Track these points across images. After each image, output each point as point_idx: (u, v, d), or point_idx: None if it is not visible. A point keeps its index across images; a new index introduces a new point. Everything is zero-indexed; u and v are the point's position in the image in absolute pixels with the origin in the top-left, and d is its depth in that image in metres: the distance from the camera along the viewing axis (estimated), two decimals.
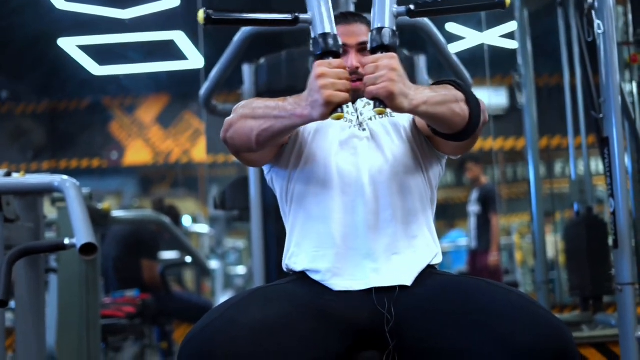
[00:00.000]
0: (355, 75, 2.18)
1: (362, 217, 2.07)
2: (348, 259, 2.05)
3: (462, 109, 1.95)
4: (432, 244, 2.16)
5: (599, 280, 4.58)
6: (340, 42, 2.02)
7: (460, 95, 1.97)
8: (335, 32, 1.97)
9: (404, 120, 2.22)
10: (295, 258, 2.14)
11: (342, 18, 2.32)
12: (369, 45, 1.95)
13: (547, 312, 1.87)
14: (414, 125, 2.22)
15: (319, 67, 1.85)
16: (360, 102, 2.27)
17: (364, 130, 2.19)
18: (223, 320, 1.84)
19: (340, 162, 2.13)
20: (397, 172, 2.13)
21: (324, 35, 1.95)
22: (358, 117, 2.23)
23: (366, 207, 2.08)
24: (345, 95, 1.84)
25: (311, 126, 2.19)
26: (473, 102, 1.97)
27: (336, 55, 1.92)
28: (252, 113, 1.99)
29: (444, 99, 1.92)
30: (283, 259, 2.20)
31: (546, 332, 1.80)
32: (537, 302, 1.92)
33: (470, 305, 1.90)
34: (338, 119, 1.88)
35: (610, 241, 3.43)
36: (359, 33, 2.27)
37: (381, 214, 2.08)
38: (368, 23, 2.32)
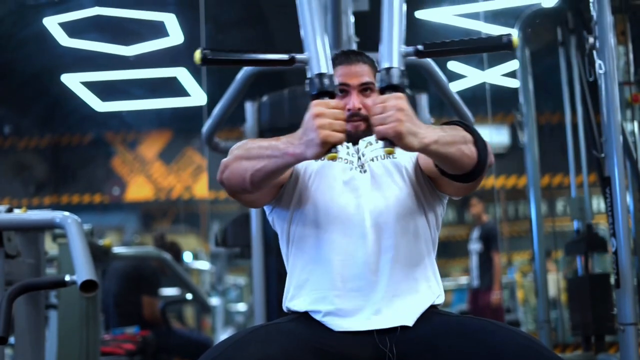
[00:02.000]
0: (357, 116, 2.24)
1: (363, 259, 2.07)
2: (349, 301, 2.04)
3: (470, 150, 1.95)
4: (435, 284, 2.15)
5: (601, 319, 4.56)
6: (337, 82, 2.10)
7: (468, 136, 1.97)
8: (332, 72, 1.97)
9: (406, 161, 2.22)
10: (295, 300, 2.13)
11: (344, 57, 2.34)
12: (377, 85, 1.94)
13: (551, 353, 1.86)
14: (417, 166, 2.23)
15: (317, 107, 1.85)
16: (362, 143, 2.28)
17: (364, 171, 2.19)
18: (222, 359, 1.83)
19: (341, 204, 2.13)
20: (398, 214, 2.12)
21: (321, 75, 1.94)
22: (360, 157, 2.23)
23: (367, 249, 2.07)
24: (341, 135, 1.84)
25: (312, 168, 2.20)
26: (481, 144, 1.97)
27: (332, 95, 1.92)
28: (247, 154, 1.99)
29: (453, 139, 1.91)
30: (283, 300, 2.19)
31: None
32: (541, 343, 1.91)
33: (474, 346, 1.89)
34: (332, 159, 1.87)
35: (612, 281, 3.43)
36: (361, 73, 2.29)
37: (382, 255, 2.07)
38: (371, 62, 2.35)
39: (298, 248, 2.17)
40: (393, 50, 1.95)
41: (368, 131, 2.29)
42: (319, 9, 2.04)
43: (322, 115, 1.83)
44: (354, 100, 2.26)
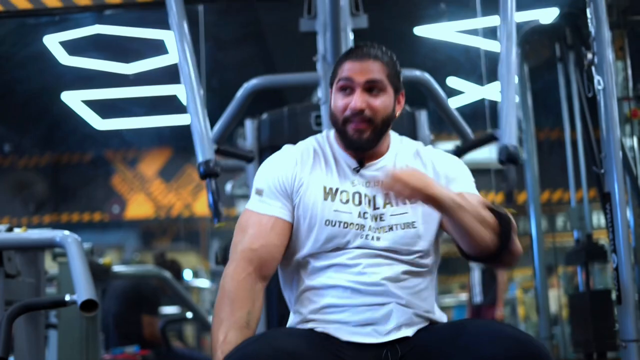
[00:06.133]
0: (358, 117, 2.10)
1: (364, 291, 2.06)
2: (351, 328, 2.05)
3: (491, 225, 1.99)
4: (435, 309, 2.17)
5: (602, 336, 4.55)
6: (343, 75, 2.12)
7: (488, 213, 2.00)
8: None
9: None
10: (304, 319, 2.13)
11: (353, 52, 2.17)
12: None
13: (518, 331, 1.90)
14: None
15: None
16: (379, 200, 2.13)
17: (378, 239, 2.09)
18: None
19: (349, 246, 2.10)
20: (407, 259, 2.10)
21: None
22: (375, 214, 2.12)
23: (370, 285, 2.07)
24: None
25: (320, 239, 2.10)
26: (504, 234, 1.99)
27: None
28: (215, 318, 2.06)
29: (469, 206, 1.98)
30: (289, 321, 2.19)
31: (510, 345, 1.82)
32: (515, 328, 1.96)
33: (456, 336, 1.94)
34: None
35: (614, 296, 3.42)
36: (370, 70, 2.12)
37: (384, 291, 2.07)
38: (386, 60, 2.16)
39: (301, 276, 2.16)
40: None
41: (374, 138, 2.14)
42: None
43: None
44: (357, 99, 2.09)
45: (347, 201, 2.11)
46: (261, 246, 2.10)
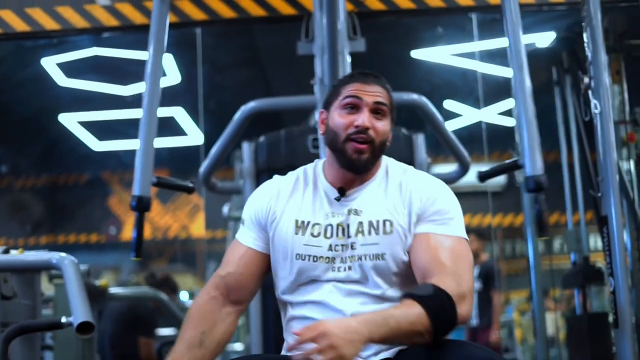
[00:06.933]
0: (363, 135, 2.09)
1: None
2: None
3: (423, 332, 1.86)
4: None
5: (600, 359, 4.54)
6: (349, 94, 2.12)
7: (419, 322, 1.85)
8: None
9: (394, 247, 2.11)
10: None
11: (360, 75, 2.18)
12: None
13: (489, 351, 1.86)
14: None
15: None
16: (353, 227, 2.12)
17: (349, 268, 2.10)
18: None
19: (325, 289, 2.12)
20: (379, 294, 2.09)
21: None
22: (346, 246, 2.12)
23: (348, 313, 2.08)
24: None
25: (291, 279, 2.16)
26: (435, 318, 1.86)
27: None
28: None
29: (399, 331, 1.85)
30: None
31: None
32: (485, 349, 1.89)
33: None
34: None
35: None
36: (378, 93, 2.14)
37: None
38: (388, 88, 2.19)
39: (286, 306, 2.22)
40: None
41: (371, 161, 2.14)
42: None
43: None
44: (364, 117, 2.10)
45: (319, 234, 2.13)
46: (228, 274, 2.23)
